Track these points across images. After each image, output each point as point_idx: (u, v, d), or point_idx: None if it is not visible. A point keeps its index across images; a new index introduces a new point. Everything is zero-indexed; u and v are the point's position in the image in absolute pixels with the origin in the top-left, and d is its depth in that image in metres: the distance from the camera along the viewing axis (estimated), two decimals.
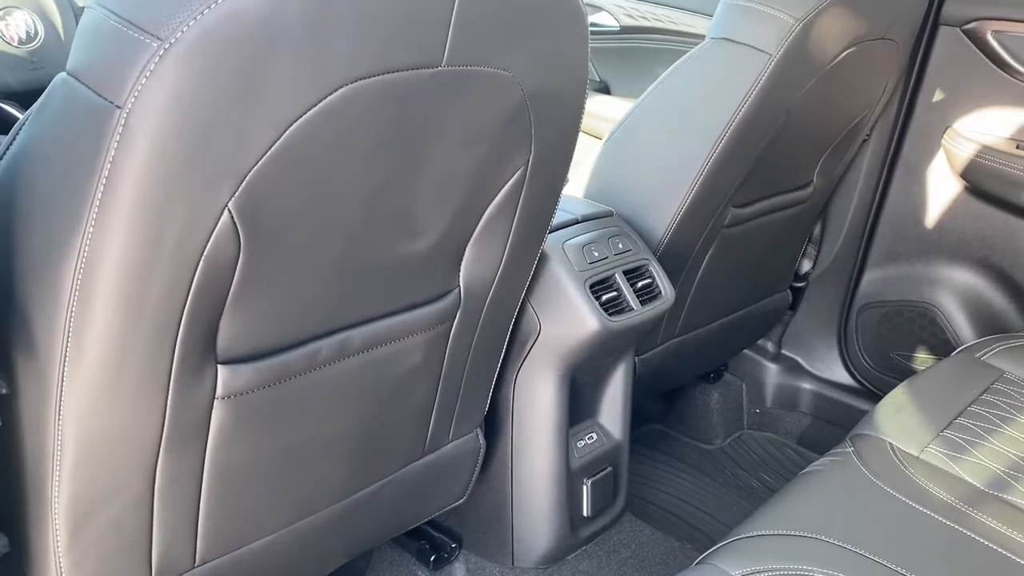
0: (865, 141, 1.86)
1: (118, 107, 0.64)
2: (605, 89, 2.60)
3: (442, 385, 1.16)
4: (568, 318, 1.27)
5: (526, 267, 1.17)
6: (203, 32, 0.63)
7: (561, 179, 1.08)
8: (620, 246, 1.37)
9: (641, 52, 2.52)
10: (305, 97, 0.71)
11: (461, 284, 1.07)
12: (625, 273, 1.35)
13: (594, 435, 1.47)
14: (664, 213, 1.42)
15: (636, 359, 1.58)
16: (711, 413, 2.09)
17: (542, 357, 1.31)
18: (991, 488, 1.20)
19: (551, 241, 1.29)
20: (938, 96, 1.81)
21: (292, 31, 0.67)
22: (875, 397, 1.91)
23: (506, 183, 0.99)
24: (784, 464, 2.05)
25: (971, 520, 1.10)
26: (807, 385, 2.09)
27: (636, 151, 1.46)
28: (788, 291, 1.98)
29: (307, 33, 0.68)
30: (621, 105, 2.14)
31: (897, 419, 1.40)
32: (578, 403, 1.45)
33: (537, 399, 1.34)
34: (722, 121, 1.36)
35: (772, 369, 2.12)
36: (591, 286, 1.28)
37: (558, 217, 1.35)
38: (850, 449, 1.30)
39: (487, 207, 1.01)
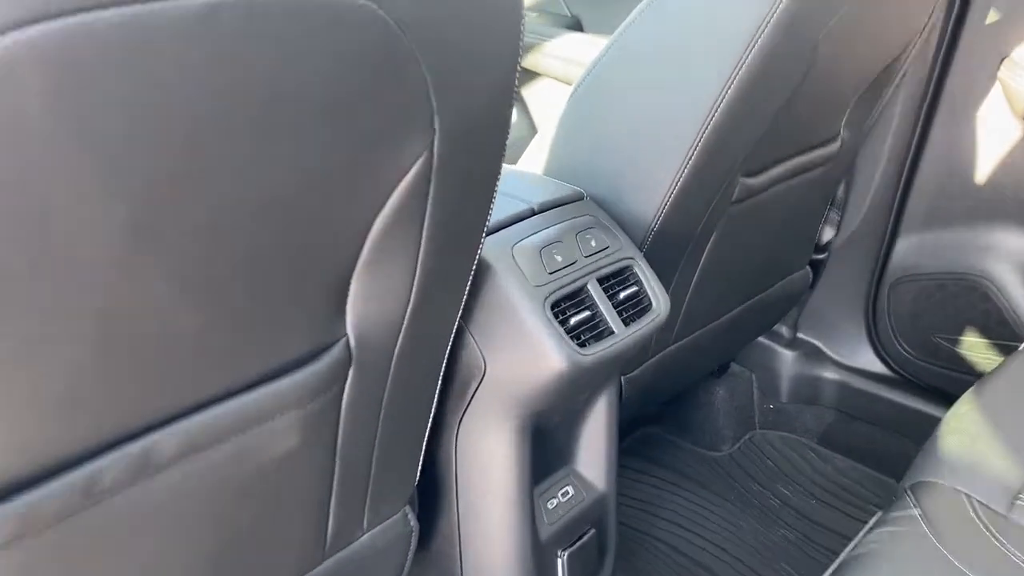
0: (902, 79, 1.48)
1: None
2: (577, 25, 2.19)
3: (340, 468, 0.81)
4: (522, 354, 0.91)
5: (454, 290, 0.80)
6: None
7: (494, 160, 0.71)
8: (593, 243, 1.00)
9: None
10: None
11: (350, 331, 0.71)
12: (602, 281, 0.98)
13: (570, 489, 1.12)
14: (652, 192, 1.05)
15: (622, 379, 1.22)
16: (716, 412, 1.78)
17: (490, 404, 0.96)
18: None
19: (493, 245, 0.92)
20: (992, 17, 1.46)
21: None
22: (911, 387, 1.69)
23: (401, 179, 0.63)
24: (805, 472, 1.72)
25: None
26: (829, 374, 1.80)
27: (611, 108, 1.09)
28: (808, 268, 1.62)
29: None
30: (598, 44, 1.73)
31: (971, 455, 1.05)
32: (547, 450, 1.09)
33: (487, 456, 0.99)
34: (728, 63, 0.98)
35: (787, 357, 1.82)
36: (554, 305, 0.92)
37: (503, 208, 0.98)
38: (915, 511, 0.95)
39: (374, 218, 0.64)
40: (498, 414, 0.97)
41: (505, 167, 1.20)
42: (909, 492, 1.02)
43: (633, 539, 1.54)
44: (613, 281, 1.01)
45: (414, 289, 0.74)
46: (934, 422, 1.69)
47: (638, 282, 1.02)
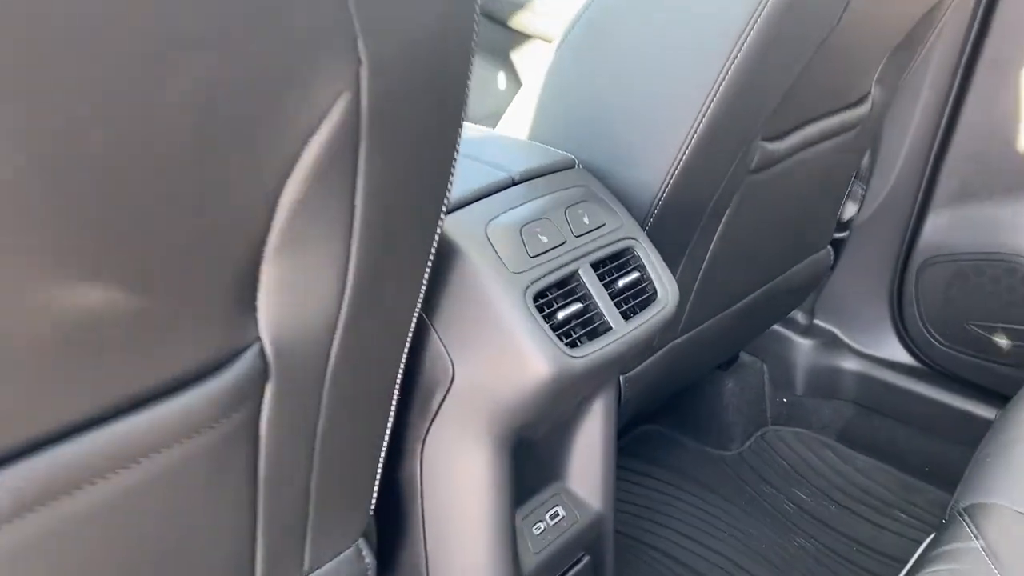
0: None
1: None
2: None
3: (266, 500, 0.64)
4: (497, 356, 0.74)
5: (407, 281, 0.63)
6: None
7: (453, 105, 0.54)
8: (587, 220, 0.82)
9: None
10: None
11: (264, 335, 0.54)
12: (596, 266, 0.81)
13: (560, 510, 0.95)
14: (658, 157, 0.88)
15: (621, 379, 1.05)
16: (724, 407, 1.64)
17: (460, 417, 0.78)
18: None
19: (462, 222, 0.74)
20: None
21: None
22: (940, 380, 1.55)
23: (314, 127, 0.46)
24: (824, 474, 1.56)
25: None
26: (849, 365, 1.66)
27: (606, 60, 0.91)
28: (829, 247, 1.45)
29: None
30: None
31: None
32: (531, 465, 0.92)
33: (458, 478, 0.81)
34: (746, 7, 0.80)
35: (803, 345, 1.68)
36: (537, 296, 0.75)
37: (476, 177, 0.81)
38: (976, 543, 0.78)
39: (283, 182, 0.47)
40: (470, 429, 0.80)
41: (479, 130, 1.03)
42: (965, 517, 0.85)
43: (630, 549, 1.38)
44: (610, 266, 0.83)
45: (349, 280, 0.57)
46: (967, 418, 1.56)
47: (640, 267, 0.85)
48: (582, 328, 0.79)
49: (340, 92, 0.46)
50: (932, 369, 1.56)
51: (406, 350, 0.70)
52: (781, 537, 1.45)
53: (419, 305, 0.68)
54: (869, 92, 1.21)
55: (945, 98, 1.40)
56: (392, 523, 0.87)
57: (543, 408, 0.79)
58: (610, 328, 0.80)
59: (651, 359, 1.09)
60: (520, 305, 0.74)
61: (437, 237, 0.64)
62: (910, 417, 1.58)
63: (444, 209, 0.62)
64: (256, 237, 0.51)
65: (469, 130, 0.96)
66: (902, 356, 1.59)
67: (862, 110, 1.20)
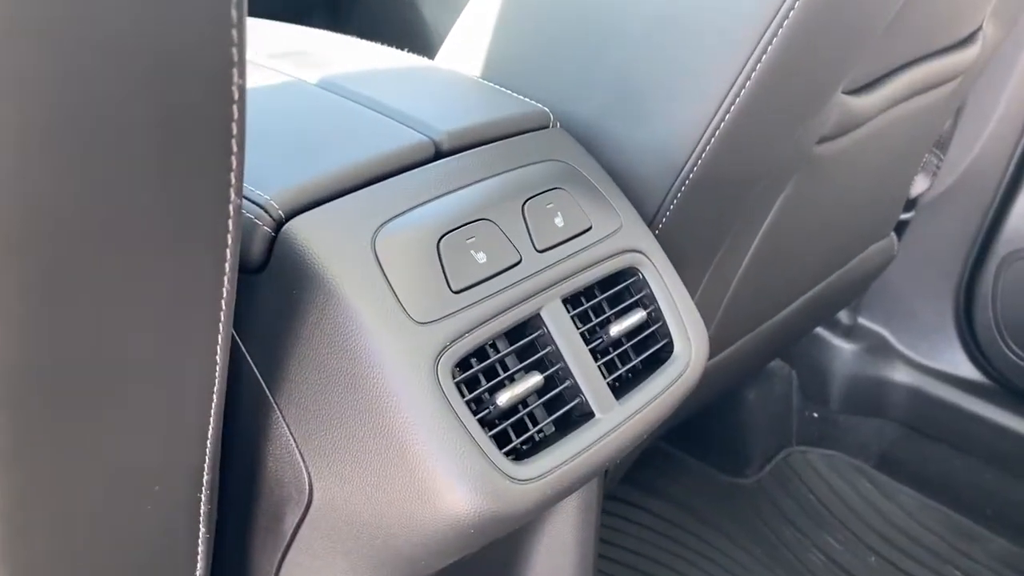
0: None
1: None
2: None
3: None
4: (383, 475, 0.41)
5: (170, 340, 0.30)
6: None
7: None
8: (560, 221, 0.49)
9: None
10: None
11: None
12: (573, 302, 0.48)
13: None
14: (685, 114, 0.56)
15: None
16: (742, 422, 1.45)
17: (326, 553, 0.46)
18: None
19: (332, 229, 0.42)
20: None
21: None
22: (1014, 402, 1.32)
23: None
24: (861, 513, 1.29)
25: None
26: (899, 376, 1.39)
27: None
28: (893, 234, 1.13)
29: None
30: None
31: None
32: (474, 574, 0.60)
33: None
34: None
35: (843, 350, 1.42)
36: (461, 365, 0.42)
37: (366, 141, 0.47)
38: None
39: None
40: (343, 571, 0.47)
41: (396, 59, 0.68)
42: None
43: None
44: (598, 299, 0.50)
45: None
46: None
47: (647, 300, 0.51)
48: (542, 411, 0.46)
49: None
50: (1004, 388, 1.31)
51: (208, 455, 0.39)
52: None
53: (217, 380, 0.36)
54: (980, 28, 0.87)
55: None
56: None
57: (467, 551, 0.46)
58: (590, 414, 0.46)
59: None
60: (425, 386, 0.41)
61: (230, 253, 0.32)
62: (971, 445, 1.34)
63: (237, 196, 0.30)
64: None
65: (375, 59, 0.61)
66: (966, 369, 1.34)
67: (969, 53, 0.86)
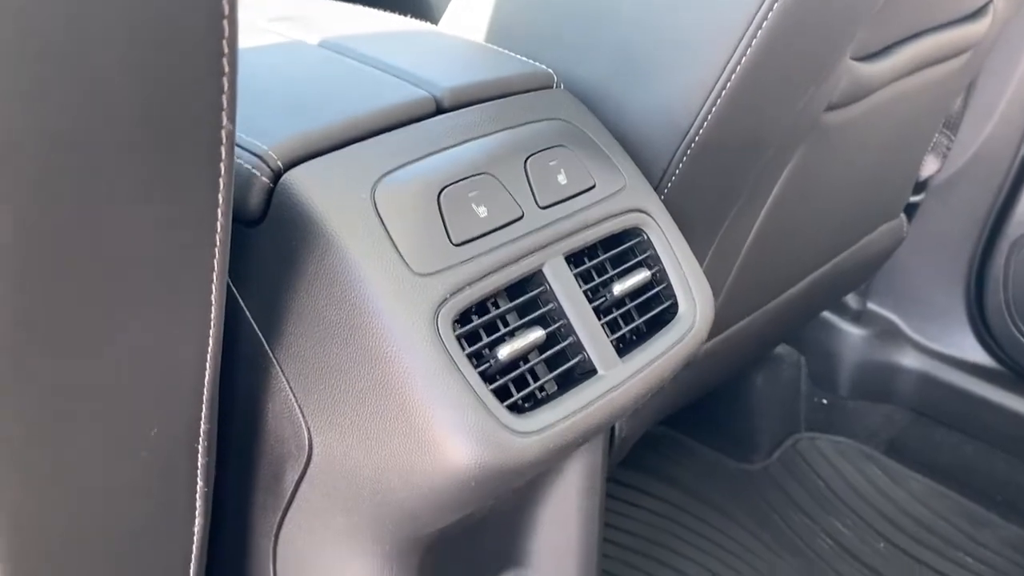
0: None
1: None
2: None
3: None
4: (384, 429, 0.40)
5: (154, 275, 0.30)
6: None
7: None
8: (564, 178, 0.48)
9: None
10: None
11: None
12: (576, 260, 0.47)
13: None
14: (690, 76, 0.55)
15: None
16: (750, 408, 1.39)
17: (326, 511, 0.46)
18: None
19: (332, 180, 0.42)
20: None
21: None
22: None
23: None
24: (870, 499, 1.27)
25: None
26: (909, 362, 1.38)
27: None
28: (903, 215, 1.12)
29: None
30: None
31: None
32: (472, 545, 0.60)
33: None
34: None
35: (852, 335, 1.41)
36: (461, 319, 0.41)
37: (368, 96, 0.47)
38: None
39: None
40: (345, 529, 0.47)
41: (399, 23, 0.67)
42: None
43: None
44: (600, 258, 0.49)
45: None
46: None
47: (652, 260, 0.51)
48: (545, 368, 0.45)
49: None
50: (1015, 373, 1.31)
51: (204, 404, 0.39)
52: None
53: (212, 327, 0.36)
54: (991, 1, 0.86)
55: None
56: None
57: (469, 509, 0.46)
58: (593, 371, 0.46)
59: None
60: (426, 337, 0.40)
61: (222, 199, 0.31)
62: (982, 431, 1.34)
63: (226, 122, 0.29)
64: None
65: (376, 22, 0.61)
66: (978, 355, 1.34)
67: (979, 26, 0.85)
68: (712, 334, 0.83)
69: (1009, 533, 1.25)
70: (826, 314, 1.38)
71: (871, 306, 1.38)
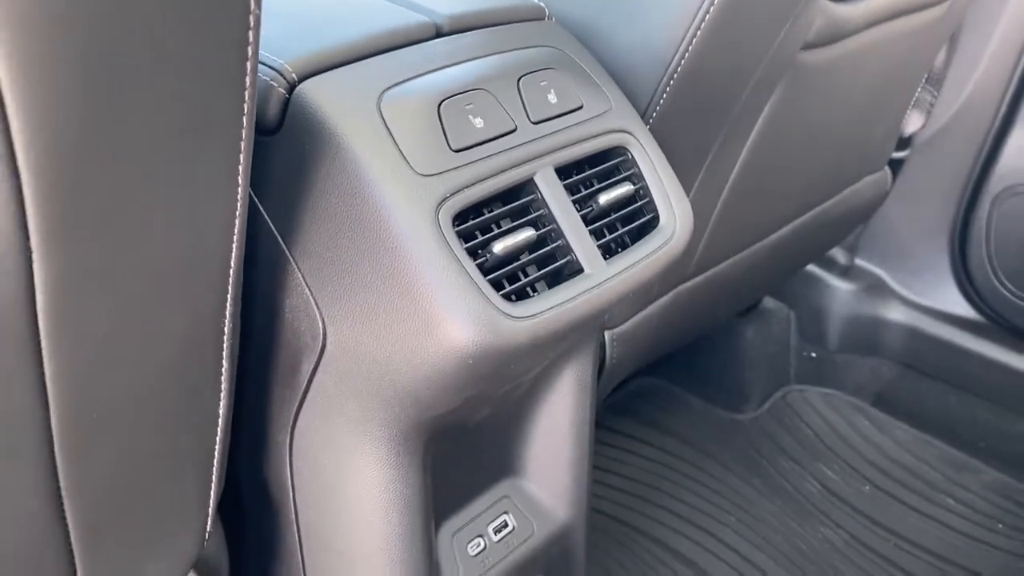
0: None
1: None
2: None
3: None
4: (391, 314, 0.45)
5: (200, 190, 0.35)
6: None
7: None
8: (554, 98, 0.52)
9: None
10: None
11: None
12: (565, 172, 0.52)
13: (509, 519, 0.67)
14: (671, 9, 0.57)
15: (606, 335, 0.76)
16: (740, 360, 1.43)
17: (339, 399, 0.50)
18: None
19: (343, 92, 0.46)
20: None
21: None
22: (1008, 339, 1.34)
23: None
24: (857, 447, 1.31)
25: None
26: (895, 315, 1.42)
27: None
28: (887, 169, 1.15)
29: None
30: None
31: None
32: (471, 454, 0.64)
33: (342, 483, 0.54)
34: None
35: (840, 290, 1.44)
36: (459, 217, 0.46)
37: (373, 19, 0.51)
38: None
39: None
40: (354, 417, 0.51)
41: None
42: None
43: (616, 535, 1.12)
44: (587, 173, 0.54)
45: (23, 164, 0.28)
46: None
47: (636, 176, 0.55)
48: (535, 269, 0.50)
49: None
50: (998, 325, 1.34)
51: (230, 288, 0.42)
52: (802, 525, 1.19)
53: (237, 219, 0.40)
54: None
55: None
56: (255, 544, 0.59)
57: (467, 392, 0.50)
58: (580, 271, 0.50)
59: (649, 309, 0.80)
60: (428, 229, 0.45)
61: (248, 99, 0.35)
62: (966, 381, 1.37)
63: (253, 60, 0.33)
64: None
65: None
66: (962, 308, 1.36)
67: None
68: (701, 269, 0.88)
69: (991, 478, 1.29)
70: (815, 270, 1.41)
71: (858, 262, 1.41)
